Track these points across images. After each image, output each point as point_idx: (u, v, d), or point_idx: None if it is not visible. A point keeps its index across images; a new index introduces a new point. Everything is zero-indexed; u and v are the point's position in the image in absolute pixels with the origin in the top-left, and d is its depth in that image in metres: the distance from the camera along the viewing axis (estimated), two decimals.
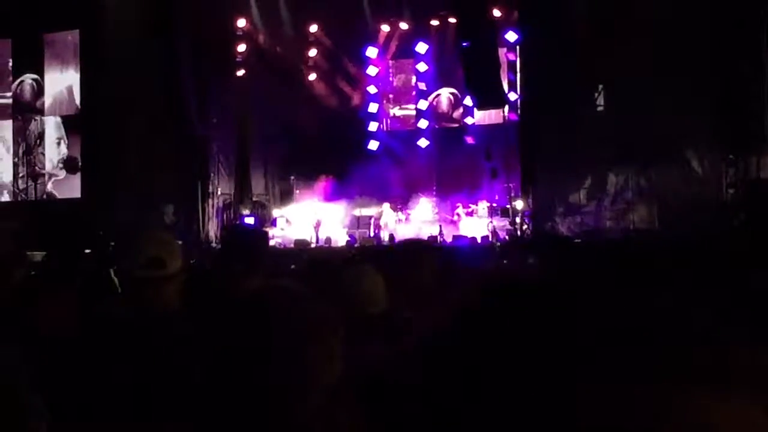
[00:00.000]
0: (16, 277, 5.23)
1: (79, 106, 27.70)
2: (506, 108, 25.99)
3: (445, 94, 28.60)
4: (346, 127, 28.90)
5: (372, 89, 29.10)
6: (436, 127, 28.45)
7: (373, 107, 29.04)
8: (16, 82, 28.69)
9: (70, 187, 27.60)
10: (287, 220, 27.11)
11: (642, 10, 21.06)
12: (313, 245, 25.62)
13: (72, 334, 4.29)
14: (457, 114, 28.47)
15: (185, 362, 3.62)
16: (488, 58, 24.66)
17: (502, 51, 26.31)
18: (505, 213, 24.74)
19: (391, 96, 29.59)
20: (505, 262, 15.65)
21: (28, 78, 28.64)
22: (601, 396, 1.14)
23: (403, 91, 29.53)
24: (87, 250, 21.45)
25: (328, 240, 25.99)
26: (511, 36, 25.65)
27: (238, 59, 27.63)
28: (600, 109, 22.59)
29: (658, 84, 20.92)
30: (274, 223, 27.34)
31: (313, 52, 28.80)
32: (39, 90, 28.45)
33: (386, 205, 26.42)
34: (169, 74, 25.11)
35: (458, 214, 26.08)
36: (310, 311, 2.66)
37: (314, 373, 2.52)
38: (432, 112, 28.69)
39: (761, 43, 20.77)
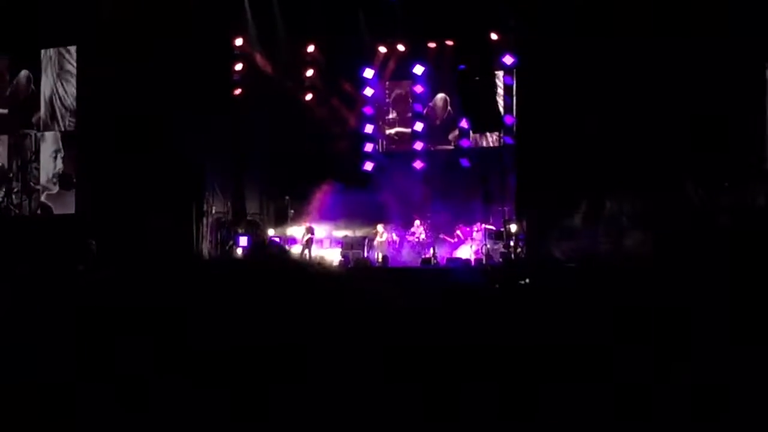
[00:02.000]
0: None
1: (76, 122, 27.68)
2: (502, 131, 26.02)
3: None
4: (341, 147, 28.86)
5: (368, 110, 29.06)
6: (432, 149, 28.39)
7: (368, 128, 29.00)
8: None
9: (64, 203, 27.55)
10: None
11: (640, 39, 21.08)
12: None
13: None
14: (452, 135, 28.42)
15: None
16: (485, 81, 24.68)
17: (498, 74, 26.33)
18: (499, 236, 24.69)
19: (387, 117, 29.55)
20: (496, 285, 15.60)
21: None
22: None
23: (399, 112, 29.49)
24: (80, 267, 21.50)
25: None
26: (508, 60, 25.65)
27: (235, 78, 27.61)
28: (596, 134, 22.49)
29: (655, 110, 20.93)
30: None
31: (309, 73, 28.77)
32: (35, 103, 28.44)
33: (380, 226, 26.38)
34: (165, 92, 25.05)
35: (457, 236, 26.03)
36: None
37: None
38: (427, 125, 28.59)
39: (762, 69, 20.82)
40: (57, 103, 28.11)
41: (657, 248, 20.30)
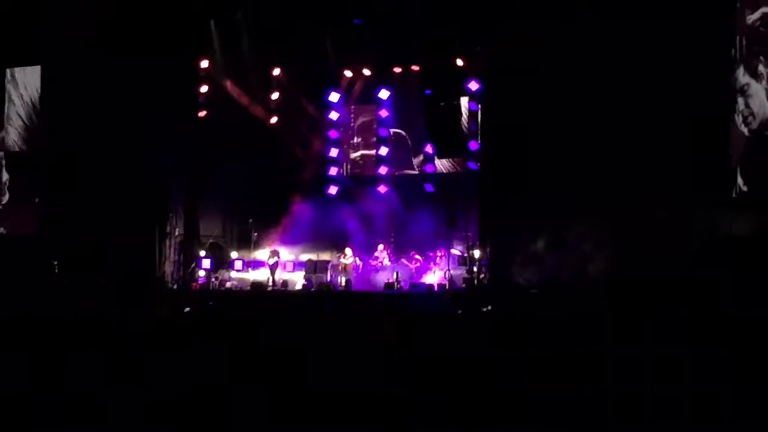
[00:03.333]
0: None
1: (40, 142, 27.54)
2: (467, 157, 26.09)
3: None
4: (306, 171, 28.84)
5: (333, 134, 29.08)
6: (396, 173, 28.41)
7: (333, 152, 29.00)
8: None
9: (25, 223, 27.38)
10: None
11: (602, 62, 21.18)
12: (269, 288, 25.54)
13: None
14: (417, 161, 28.45)
15: None
16: (450, 107, 24.76)
17: (464, 100, 26.42)
18: (462, 261, 24.72)
19: (352, 141, 29.56)
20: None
21: None
22: None
23: (364, 136, 29.50)
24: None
25: (285, 283, 25.91)
26: (474, 85, 25.74)
27: (200, 100, 27.53)
28: (560, 159, 22.47)
29: (619, 134, 20.99)
30: (232, 265, 27.24)
31: (275, 96, 28.75)
32: None
33: (348, 250, 26.31)
34: (130, 113, 24.96)
35: (417, 260, 26.04)
36: None
37: None
38: (391, 150, 28.67)
39: (725, 91, 20.91)
40: (19, 123, 27.99)
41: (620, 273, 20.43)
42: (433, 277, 25.08)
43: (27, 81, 27.81)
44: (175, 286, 25.72)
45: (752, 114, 21.22)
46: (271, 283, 25.97)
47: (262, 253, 27.44)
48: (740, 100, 21.30)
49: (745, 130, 21.24)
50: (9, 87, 28.02)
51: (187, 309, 19.37)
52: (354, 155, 29.61)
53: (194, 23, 26.54)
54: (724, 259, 18.54)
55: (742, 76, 21.34)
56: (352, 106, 29.41)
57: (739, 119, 21.30)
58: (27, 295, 20.19)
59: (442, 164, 27.57)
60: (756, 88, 21.28)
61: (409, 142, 28.29)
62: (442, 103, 26.26)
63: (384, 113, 28.61)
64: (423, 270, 25.90)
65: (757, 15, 21.20)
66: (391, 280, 24.88)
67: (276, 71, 28.59)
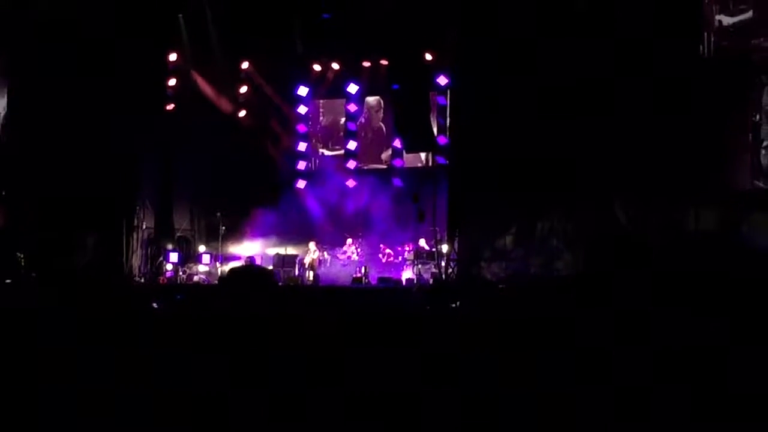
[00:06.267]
0: None
1: (5, 133, 27.27)
2: (435, 151, 26.12)
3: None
4: (274, 165, 28.83)
5: (302, 128, 29.08)
6: (365, 168, 28.45)
7: (302, 146, 28.99)
8: None
9: None
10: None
11: (572, 59, 21.18)
12: None
13: None
14: (385, 155, 28.51)
15: None
16: (418, 101, 24.76)
17: (432, 95, 26.45)
18: (430, 256, 24.73)
19: (320, 135, 29.55)
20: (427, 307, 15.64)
21: None
22: None
23: (332, 130, 29.50)
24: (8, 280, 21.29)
25: None
26: (442, 80, 25.80)
27: (168, 93, 27.40)
28: (529, 154, 22.42)
29: (589, 128, 20.98)
30: (199, 259, 27.13)
31: (243, 89, 28.72)
32: None
33: (312, 245, 26.24)
34: (97, 104, 24.80)
35: (388, 254, 26.03)
36: None
37: None
38: (360, 144, 28.73)
39: (694, 91, 20.92)
40: None
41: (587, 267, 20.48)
42: (408, 273, 25.08)
43: None
44: (142, 280, 25.60)
45: None
46: None
47: (233, 248, 27.44)
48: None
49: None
50: None
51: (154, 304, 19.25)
52: (322, 149, 29.59)
53: (163, 17, 26.41)
54: (693, 255, 18.64)
55: None
56: (321, 101, 29.41)
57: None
58: None
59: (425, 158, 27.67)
60: None
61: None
62: (410, 97, 26.27)
63: (352, 107, 28.66)
64: (397, 265, 25.87)
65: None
66: (359, 275, 24.88)
67: (245, 65, 28.57)
